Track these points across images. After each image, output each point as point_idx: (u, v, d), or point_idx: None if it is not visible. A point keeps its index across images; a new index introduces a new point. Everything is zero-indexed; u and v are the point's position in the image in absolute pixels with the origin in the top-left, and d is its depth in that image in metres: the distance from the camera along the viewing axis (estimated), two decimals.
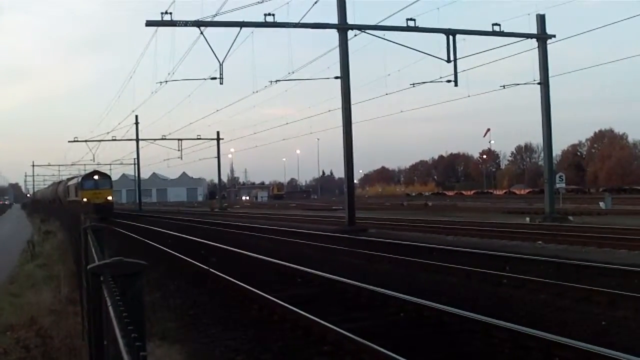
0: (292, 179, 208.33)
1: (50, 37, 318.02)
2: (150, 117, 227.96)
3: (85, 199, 61.34)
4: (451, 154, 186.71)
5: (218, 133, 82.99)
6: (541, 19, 35.50)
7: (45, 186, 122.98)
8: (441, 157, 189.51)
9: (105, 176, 67.95)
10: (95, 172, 67.95)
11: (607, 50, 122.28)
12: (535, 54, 35.88)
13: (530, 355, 9.01)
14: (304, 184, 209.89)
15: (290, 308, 11.96)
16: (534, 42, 35.75)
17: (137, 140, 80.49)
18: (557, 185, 44.76)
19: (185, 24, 30.13)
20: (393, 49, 44.76)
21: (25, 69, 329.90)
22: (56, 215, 43.52)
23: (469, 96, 37.77)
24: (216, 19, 30.66)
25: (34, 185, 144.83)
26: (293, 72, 35.30)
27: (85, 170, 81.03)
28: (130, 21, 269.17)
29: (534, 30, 35.57)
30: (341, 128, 35.00)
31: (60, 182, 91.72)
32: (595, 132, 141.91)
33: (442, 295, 13.34)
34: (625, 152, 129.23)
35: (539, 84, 35.97)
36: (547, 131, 36.48)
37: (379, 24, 33.92)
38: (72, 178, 78.90)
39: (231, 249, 24.87)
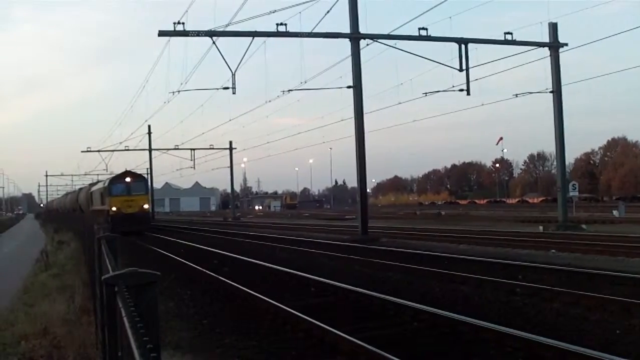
0: (305, 189, 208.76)
1: (63, 47, 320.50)
2: (162, 127, 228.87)
3: (114, 208, 49.04)
4: (464, 163, 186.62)
5: (231, 143, 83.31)
6: (553, 28, 35.45)
7: (64, 193, 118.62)
8: (454, 165, 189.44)
9: (139, 178, 54.21)
10: (127, 172, 54.01)
11: (620, 58, 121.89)
12: (547, 63, 35.86)
13: None
14: (316, 193, 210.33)
15: (303, 317, 11.95)
16: (546, 51, 35.72)
17: (150, 150, 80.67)
18: (570, 194, 44.60)
19: (198, 34, 30.26)
20: (405, 58, 44.87)
21: (39, 79, 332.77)
22: (69, 224, 42.92)
23: (481, 105, 37.78)
24: (228, 28, 30.82)
25: (47, 195, 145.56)
26: (305, 82, 35.35)
27: (98, 179, 78.01)
28: (143, 31, 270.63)
29: (547, 39, 35.54)
30: (354, 137, 35.00)
31: (82, 188, 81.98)
32: (608, 140, 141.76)
33: (456, 305, 13.31)
34: (639, 160, 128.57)
35: (551, 92, 35.90)
36: (560, 139, 36.39)
37: (392, 34, 33.96)
38: (97, 183, 67.51)
39: (244, 258, 24.87)
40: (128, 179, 51.55)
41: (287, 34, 31.43)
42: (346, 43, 34.48)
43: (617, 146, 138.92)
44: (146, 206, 51.49)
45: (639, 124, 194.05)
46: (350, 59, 34.43)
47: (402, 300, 13.29)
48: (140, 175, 56.18)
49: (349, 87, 34.81)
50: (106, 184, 52.72)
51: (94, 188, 61.79)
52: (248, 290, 15.66)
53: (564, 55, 35.83)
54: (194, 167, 78.32)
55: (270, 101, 39.00)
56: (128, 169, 57.11)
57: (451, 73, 33.99)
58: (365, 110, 35.02)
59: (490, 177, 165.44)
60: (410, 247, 27.50)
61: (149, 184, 75.79)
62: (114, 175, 56.02)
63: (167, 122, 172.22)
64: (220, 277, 18.72)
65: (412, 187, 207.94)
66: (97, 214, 51.23)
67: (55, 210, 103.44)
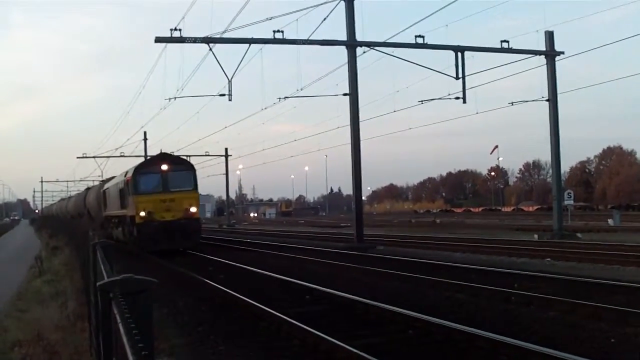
0: (300, 196, 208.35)
1: (59, 53, 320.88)
2: (158, 133, 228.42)
3: (142, 213, 32.03)
4: (459, 171, 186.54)
5: (226, 150, 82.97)
6: (550, 36, 35.48)
7: (60, 198, 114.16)
8: (449, 173, 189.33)
9: (182, 165, 35.28)
10: (164, 156, 35.61)
11: (615, 67, 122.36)
12: (543, 71, 35.88)
13: None
14: (312, 200, 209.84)
15: (298, 325, 11.92)
16: (542, 59, 35.72)
17: (146, 156, 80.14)
18: (566, 202, 44.73)
19: (194, 40, 30.20)
20: (402, 66, 44.93)
21: (35, 85, 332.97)
22: (64, 230, 41.78)
23: (477, 113, 37.66)
24: (225, 35, 30.75)
25: (42, 201, 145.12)
26: (302, 89, 35.29)
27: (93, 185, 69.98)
28: (139, 38, 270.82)
29: (543, 47, 35.55)
30: (349, 145, 34.98)
31: (90, 187, 65.39)
32: (603, 149, 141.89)
33: (451, 313, 13.30)
34: (634, 169, 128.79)
35: (547, 100, 35.93)
36: (556, 148, 36.39)
37: (388, 41, 33.94)
38: (112, 178, 46.38)
39: (238, 265, 24.84)
40: (165, 167, 33.40)
41: (283, 41, 31.43)
42: (343, 50, 34.50)
43: (613, 155, 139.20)
44: (194, 209, 33.33)
45: (635, 133, 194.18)
46: (346, 66, 34.44)
47: (397, 308, 13.26)
48: (183, 160, 37.84)
49: (345, 94, 34.80)
50: (129, 175, 34.16)
51: (109, 184, 43.31)
52: (243, 298, 15.63)
53: (560, 63, 35.89)
54: None
55: (266, 108, 38.78)
56: (165, 152, 39.02)
57: (447, 81, 33.99)
58: (361, 117, 35.01)
59: (486, 185, 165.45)
60: (406, 255, 27.46)
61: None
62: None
63: (163, 129, 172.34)
64: (214, 284, 18.68)
65: (407, 195, 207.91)
66: (115, 221, 38.64)
67: (55, 216, 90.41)
